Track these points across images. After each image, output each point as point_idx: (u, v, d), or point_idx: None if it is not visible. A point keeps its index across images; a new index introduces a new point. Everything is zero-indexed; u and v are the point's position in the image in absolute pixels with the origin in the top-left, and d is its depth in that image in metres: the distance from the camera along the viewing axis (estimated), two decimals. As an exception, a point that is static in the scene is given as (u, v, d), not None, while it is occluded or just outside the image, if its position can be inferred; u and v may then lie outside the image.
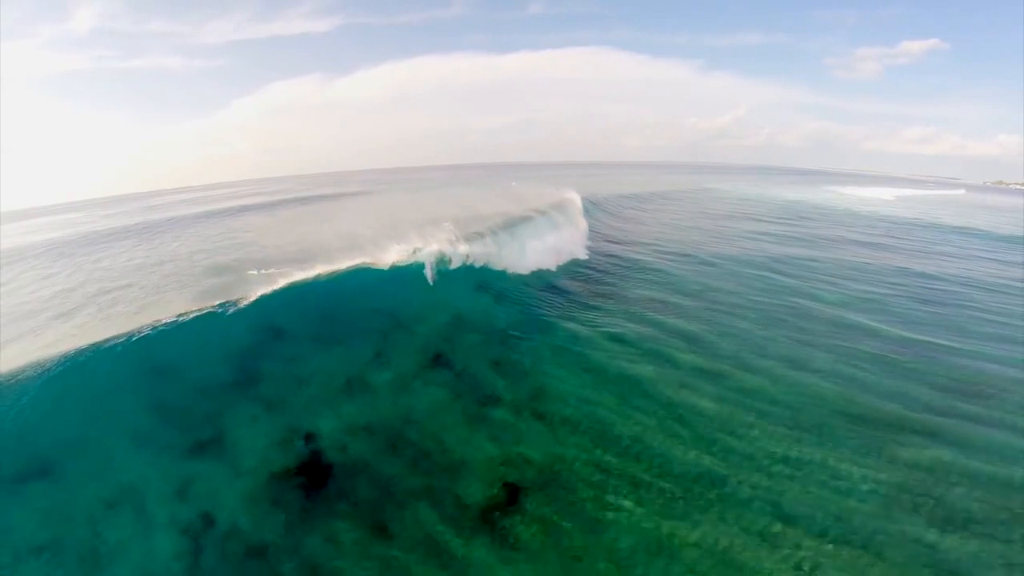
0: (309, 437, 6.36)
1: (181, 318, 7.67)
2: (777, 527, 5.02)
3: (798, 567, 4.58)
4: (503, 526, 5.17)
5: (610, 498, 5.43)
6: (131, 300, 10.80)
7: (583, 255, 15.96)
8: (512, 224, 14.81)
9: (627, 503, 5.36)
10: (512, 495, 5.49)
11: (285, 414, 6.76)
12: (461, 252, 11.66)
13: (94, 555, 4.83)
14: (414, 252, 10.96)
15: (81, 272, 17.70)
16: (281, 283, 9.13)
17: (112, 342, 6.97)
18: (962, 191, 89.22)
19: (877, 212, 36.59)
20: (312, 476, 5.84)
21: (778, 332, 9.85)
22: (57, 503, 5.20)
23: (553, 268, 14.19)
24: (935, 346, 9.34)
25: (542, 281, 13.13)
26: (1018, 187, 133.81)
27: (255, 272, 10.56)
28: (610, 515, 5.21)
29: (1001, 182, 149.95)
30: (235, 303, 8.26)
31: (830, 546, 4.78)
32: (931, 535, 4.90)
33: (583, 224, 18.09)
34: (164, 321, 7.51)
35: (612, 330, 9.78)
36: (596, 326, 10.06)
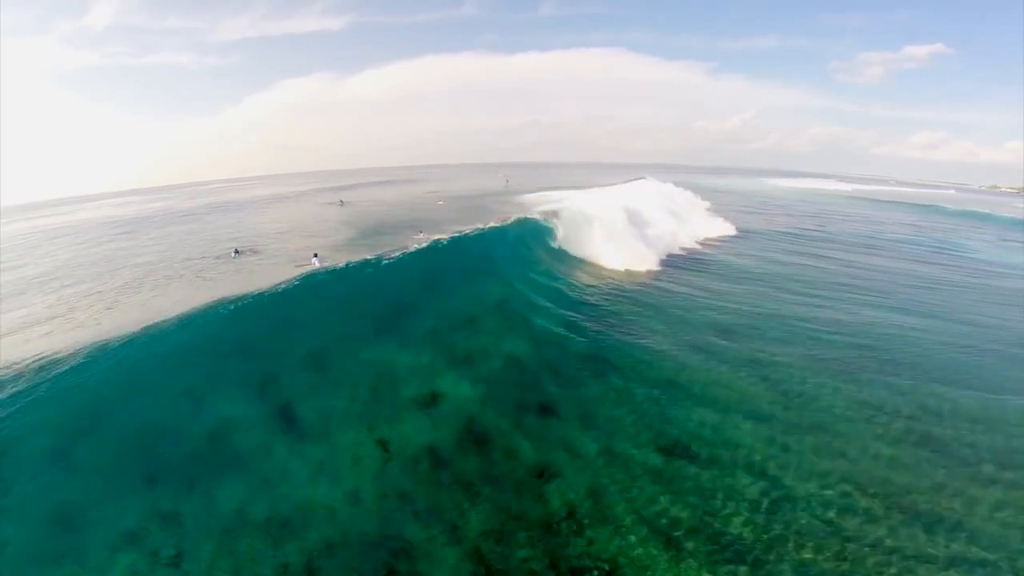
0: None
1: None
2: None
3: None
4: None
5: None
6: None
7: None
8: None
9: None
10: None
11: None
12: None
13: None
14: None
15: (282, 218, 25.87)
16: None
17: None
18: (952, 191, 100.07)
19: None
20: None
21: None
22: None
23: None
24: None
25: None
26: (1010, 191, 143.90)
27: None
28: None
29: (995, 186, 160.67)
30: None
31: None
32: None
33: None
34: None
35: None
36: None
